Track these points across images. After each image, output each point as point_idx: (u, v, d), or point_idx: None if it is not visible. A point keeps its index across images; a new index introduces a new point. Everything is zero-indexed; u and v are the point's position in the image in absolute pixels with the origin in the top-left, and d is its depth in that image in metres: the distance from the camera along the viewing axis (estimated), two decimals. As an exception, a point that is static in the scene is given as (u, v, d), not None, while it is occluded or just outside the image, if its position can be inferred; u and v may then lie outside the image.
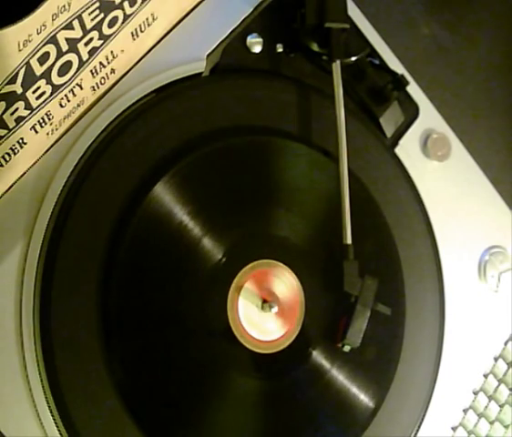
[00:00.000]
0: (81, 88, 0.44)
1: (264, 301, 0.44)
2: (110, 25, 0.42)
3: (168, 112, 0.46)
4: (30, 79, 0.39)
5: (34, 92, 0.40)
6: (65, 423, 0.41)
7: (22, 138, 0.42)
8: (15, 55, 0.37)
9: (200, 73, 0.48)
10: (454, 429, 0.49)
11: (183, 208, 0.44)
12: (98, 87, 0.46)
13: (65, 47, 0.40)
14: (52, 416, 0.42)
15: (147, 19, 0.46)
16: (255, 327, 0.44)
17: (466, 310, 0.50)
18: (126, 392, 0.42)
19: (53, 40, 0.39)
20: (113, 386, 0.42)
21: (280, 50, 0.49)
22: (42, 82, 0.40)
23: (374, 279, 0.43)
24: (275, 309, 0.44)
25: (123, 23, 0.43)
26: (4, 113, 0.39)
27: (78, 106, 0.45)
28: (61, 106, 0.43)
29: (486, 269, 0.51)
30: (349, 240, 0.44)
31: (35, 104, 0.41)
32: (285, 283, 0.45)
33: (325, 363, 0.45)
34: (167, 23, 0.48)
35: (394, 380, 0.46)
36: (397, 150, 0.51)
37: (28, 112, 0.41)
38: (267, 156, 0.47)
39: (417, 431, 0.47)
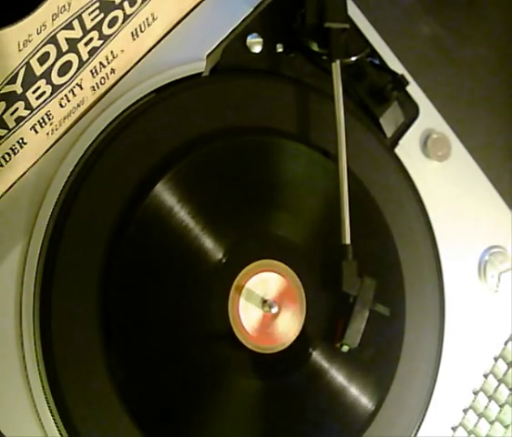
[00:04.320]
0: (81, 88, 0.44)
1: (265, 302, 0.44)
2: (110, 25, 0.42)
3: (168, 112, 0.46)
4: (30, 79, 0.39)
5: (34, 92, 0.40)
6: (65, 423, 0.41)
7: (22, 138, 0.42)
8: (15, 55, 0.37)
9: (200, 73, 0.48)
10: (454, 429, 0.49)
11: (183, 208, 0.44)
12: (98, 87, 0.46)
13: (65, 47, 0.40)
14: (52, 416, 0.42)
15: (147, 19, 0.46)
16: (256, 327, 0.44)
17: (466, 310, 0.50)
18: (126, 392, 0.42)
19: (53, 40, 0.39)
20: (113, 386, 0.42)
21: (280, 50, 0.49)
22: (42, 82, 0.40)
23: (373, 279, 0.43)
24: (276, 310, 0.44)
25: (123, 23, 0.43)
26: (4, 113, 0.39)
27: (78, 106, 0.45)
28: (61, 106, 0.43)
29: (486, 269, 0.51)
30: (348, 240, 0.44)
31: (35, 104, 0.41)
32: (286, 283, 0.45)
33: (325, 364, 0.45)
34: (167, 23, 0.48)
35: (393, 380, 0.46)
36: (397, 150, 0.51)
37: (28, 112, 0.41)
38: (267, 156, 0.47)
39: (417, 431, 0.47)
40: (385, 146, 0.50)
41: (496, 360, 0.51)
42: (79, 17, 0.39)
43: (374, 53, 0.51)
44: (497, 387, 0.50)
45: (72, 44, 0.40)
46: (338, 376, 0.45)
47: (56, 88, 0.42)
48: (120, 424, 0.42)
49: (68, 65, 0.41)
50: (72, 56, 0.41)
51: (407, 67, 0.52)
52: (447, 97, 0.63)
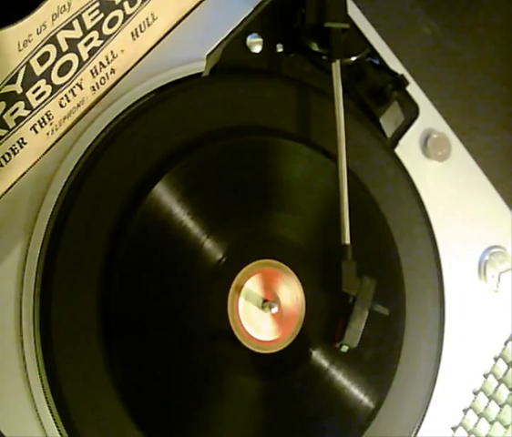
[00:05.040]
0: (81, 88, 0.44)
1: (264, 301, 0.44)
2: (110, 25, 0.42)
3: (169, 112, 0.46)
4: (30, 79, 0.39)
5: (34, 92, 0.40)
6: (65, 423, 0.41)
7: (22, 138, 0.42)
8: (15, 55, 0.37)
9: (200, 73, 0.48)
10: (454, 429, 0.49)
11: (183, 208, 0.44)
12: (98, 87, 0.46)
13: (65, 47, 0.40)
14: (52, 416, 0.42)
15: (147, 19, 0.46)
16: (255, 327, 0.44)
17: (466, 310, 0.50)
18: (126, 392, 0.42)
19: (53, 40, 0.39)
20: (113, 386, 0.42)
21: (280, 50, 0.49)
22: (42, 82, 0.40)
23: (373, 279, 0.43)
24: (275, 309, 0.44)
25: (123, 23, 0.43)
26: (4, 113, 0.39)
27: (78, 106, 0.45)
28: (61, 106, 0.43)
29: (486, 269, 0.51)
30: (347, 240, 0.44)
31: (35, 104, 0.41)
32: (285, 283, 0.45)
33: (325, 363, 0.45)
34: (167, 23, 0.48)
35: (394, 380, 0.46)
36: (397, 150, 0.51)
37: (28, 112, 0.41)
38: (267, 156, 0.47)
39: (417, 431, 0.47)
40: (385, 146, 0.50)
41: (496, 360, 0.51)
42: (79, 17, 0.39)
43: (374, 53, 0.51)
44: (497, 387, 0.50)
45: (72, 44, 0.40)
46: (338, 376, 0.45)
47: (56, 88, 0.42)
48: (120, 424, 0.42)
49: (68, 65, 0.41)
50: (72, 56, 0.41)
51: (407, 67, 0.52)
52: (447, 97, 0.63)
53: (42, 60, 0.39)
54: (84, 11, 0.39)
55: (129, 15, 0.44)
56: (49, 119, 0.43)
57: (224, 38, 0.49)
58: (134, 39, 0.46)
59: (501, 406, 0.50)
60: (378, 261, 0.47)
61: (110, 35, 0.43)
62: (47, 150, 0.45)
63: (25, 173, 0.44)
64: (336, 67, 0.46)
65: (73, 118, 0.45)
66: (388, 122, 0.50)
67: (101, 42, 0.43)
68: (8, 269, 0.43)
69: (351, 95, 0.50)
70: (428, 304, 0.48)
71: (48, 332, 0.42)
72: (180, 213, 0.44)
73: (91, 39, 0.42)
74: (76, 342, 0.42)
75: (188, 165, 0.45)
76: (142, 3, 0.44)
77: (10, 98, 0.39)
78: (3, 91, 0.38)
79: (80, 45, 0.41)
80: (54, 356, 0.42)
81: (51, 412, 0.42)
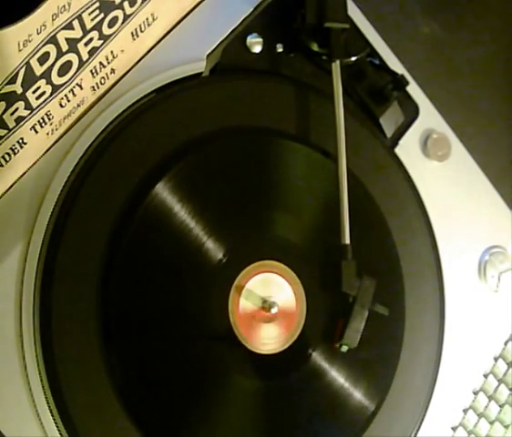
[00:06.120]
0: (81, 88, 0.44)
1: (265, 302, 0.44)
2: (110, 25, 0.42)
3: (168, 112, 0.46)
4: (30, 79, 0.39)
5: (34, 92, 0.40)
6: (65, 423, 0.41)
7: (22, 138, 0.42)
8: (15, 55, 0.37)
9: (200, 73, 0.48)
10: (454, 429, 0.49)
11: (184, 208, 0.44)
12: (98, 87, 0.46)
13: (65, 47, 0.40)
14: (52, 416, 0.42)
15: (147, 19, 0.46)
16: (256, 327, 0.44)
17: (466, 310, 0.50)
18: (126, 393, 0.42)
19: (53, 40, 0.39)
20: (113, 386, 0.42)
21: (280, 50, 0.49)
22: (42, 82, 0.40)
23: (372, 279, 0.43)
24: (276, 310, 0.44)
25: (123, 23, 0.43)
26: (4, 113, 0.39)
27: (78, 106, 0.45)
28: (61, 106, 0.43)
29: (486, 269, 0.51)
30: (347, 240, 0.44)
31: (35, 104, 0.41)
32: (286, 284, 0.45)
33: (325, 364, 0.45)
34: (167, 23, 0.48)
35: (394, 380, 0.46)
36: (397, 150, 0.51)
37: (28, 112, 0.41)
38: (267, 156, 0.47)
39: (417, 431, 0.47)
40: (385, 146, 0.50)
41: (496, 360, 0.51)
42: (79, 17, 0.39)
43: (374, 53, 0.51)
44: (497, 387, 0.50)
45: (72, 44, 0.40)
46: (338, 376, 0.45)
47: (56, 88, 0.42)
48: (120, 424, 0.42)
49: (68, 65, 0.41)
50: (72, 56, 0.41)
51: (407, 67, 0.52)
52: (447, 97, 0.63)
53: (42, 60, 0.39)
54: (84, 11, 0.39)
55: (129, 15, 0.44)
56: (49, 119, 0.43)
57: (224, 38, 0.49)
58: (134, 39, 0.46)
59: (501, 406, 0.50)
60: (378, 261, 0.47)
61: (110, 35, 0.43)
62: (47, 150, 0.45)
63: (25, 173, 0.44)
64: (336, 67, 0.46)
65: (73, 118, 0.45)
66: (388, 122, 0.50)
67: (101, 42, 0.43)
68: (8, 269, 0.43)
69: (351, 95, 0.50)
70: (428, 304, 0.48)
71: (48, 332, 0.42)
72: (181, 213, 0.44)
73: (91, 39, 0.42)
74: (77, 342, 0.42)
75: (188, 165, 0.45)
76: (142, 3, 0.44)
77: (10, 98, 0.39)
78: (3, 91, 0.38)
79: (80, 45, 0.41)
80: (54, 356, 0.42)
81: (51, 412, 0.42)
